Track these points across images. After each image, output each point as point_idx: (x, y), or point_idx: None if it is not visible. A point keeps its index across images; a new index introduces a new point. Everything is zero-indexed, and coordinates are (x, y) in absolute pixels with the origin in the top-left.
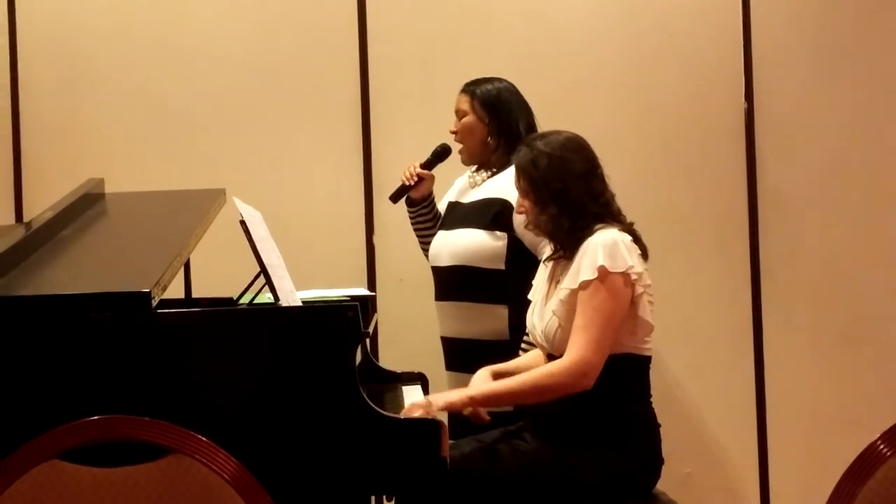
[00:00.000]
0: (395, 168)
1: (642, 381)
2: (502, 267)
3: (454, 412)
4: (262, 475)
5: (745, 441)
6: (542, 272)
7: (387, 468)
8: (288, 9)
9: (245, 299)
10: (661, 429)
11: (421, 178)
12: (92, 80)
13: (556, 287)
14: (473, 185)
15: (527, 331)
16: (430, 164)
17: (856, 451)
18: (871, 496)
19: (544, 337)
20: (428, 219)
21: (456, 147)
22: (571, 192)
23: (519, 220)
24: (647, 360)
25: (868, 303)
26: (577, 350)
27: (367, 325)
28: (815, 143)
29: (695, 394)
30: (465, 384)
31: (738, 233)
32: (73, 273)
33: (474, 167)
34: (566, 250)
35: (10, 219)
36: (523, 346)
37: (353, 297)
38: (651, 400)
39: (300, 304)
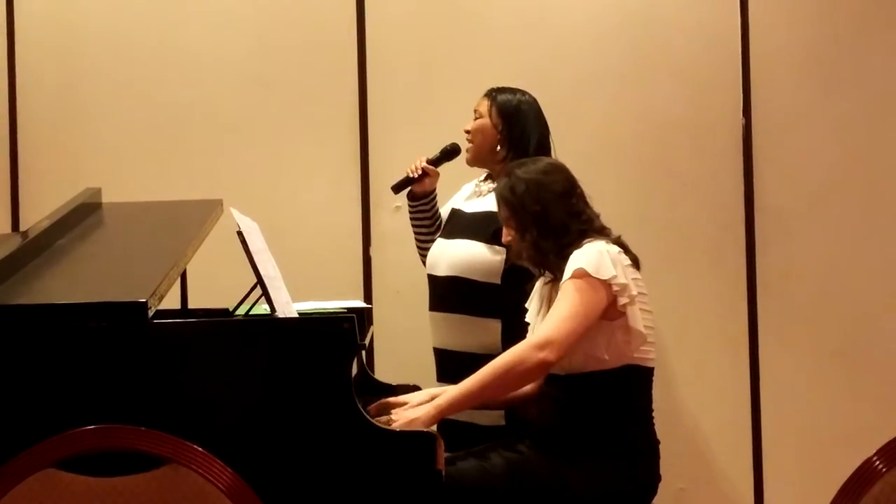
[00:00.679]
0: (392, 179)
1: (644, 393)
2: (498, 282)
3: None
4: (257, 485)
5: (740, 456)
6: (538, 295)
7: (382, 480)
8: (286, 17)
9: (241, 310)
10: (659, 445)
11: (426, 174)
12: (90, 87)
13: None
14: (478, 195)
15: None
16: (437, 161)
17: (851, 467)
18: None
19: None
20: (427, 217)
21: (465, 147)
22: (550, 213)
23: None
24: (650, 371)
25: (864, 318)
26: (541, 329)
27: (363, 337)
28: (812, 159)
29: (690, 407)
30: None
31: (735, 247)
32: (70, 282)
33: (482, 176)
34: (555, 272)
35: (6, 227)
36: None
37: (350, 310)
38: (653, 416)
39: (297, 315)
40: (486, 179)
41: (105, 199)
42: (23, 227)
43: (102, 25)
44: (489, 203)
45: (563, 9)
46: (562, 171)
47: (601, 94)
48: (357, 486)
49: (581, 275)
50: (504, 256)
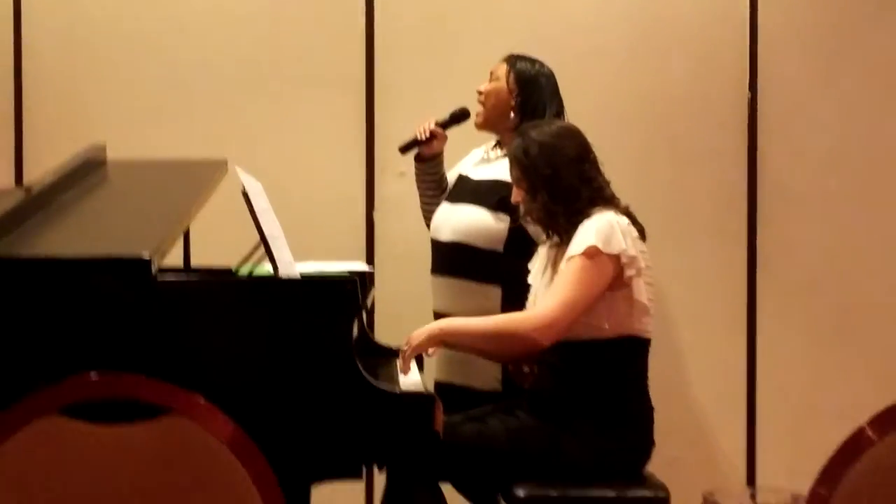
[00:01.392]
0: (398, 142)
1: (641, 363)
2: (500, 249)
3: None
4: (258, 440)
5: (734, 427)
6: (542, 258)
7: (380, 439)
8: None
9: (244, 270)
10: (653, 412)
11: (434, 136)
12: (96, 43)
13: (555, 273)
14: (486, 161)
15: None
16: (445, 124)
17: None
18: (857, 479)
19: None
20: (434, 179)
21: (476, 111)
22: (562, 177)
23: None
24: (647, 342)
25: (863, 296)
26: (545, 306)
27: (364, 299)
28: (817, 136)
29: (687, 378)
30: (453, 359)
31: (738, 222)
32: (74, 237)
33: (492, 143)
34: (562, 237)
35: (10, 181)
36: None
37: (352, 272)
38: (648, 384)
39: (299, 276)
40: (495, 146)
41: (109, 155)
42: (26, 182)
43: None
44: (497, 171)
45: None
46: (576, 136)
47: (608, 66)
48: (356, 444)
49: (592, 253)
50: (507, 225)
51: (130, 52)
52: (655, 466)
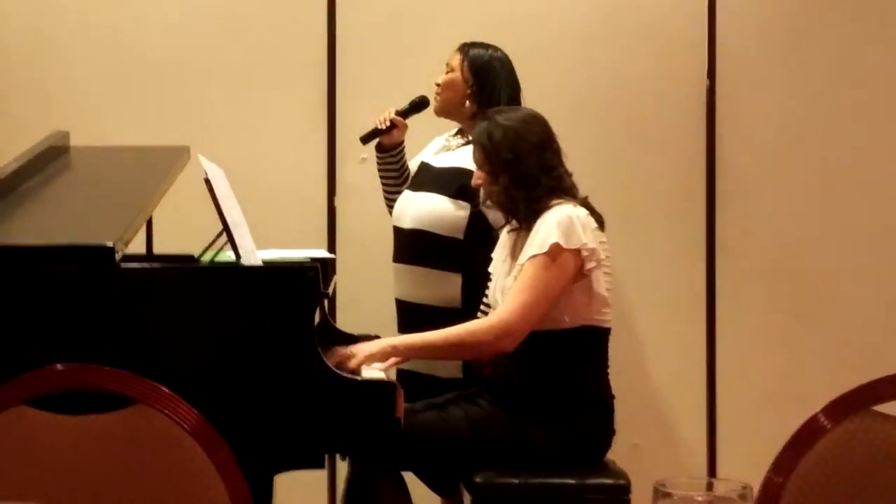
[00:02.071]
0: (359, 130)
1: (600, 353)
2: (461, 237)
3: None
4: (221, 427)
5: (695, 413)
6: (503, 246)
7: (342, 427)
8: None
9: (206, 257)
10: (614, 400)
11: (394, 125)
12: (60, 31)
13: (515, 262)
14: (447, 149)
15: (487, 301)
16: (405, 113)
17: None
18: (811, 467)
19: None
20: (395, 168)
21: (434, 100)
22: (523, 163)
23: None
24: (606, 332)
25: (821, 281)
26: (504, 311)
27: (326, 286)
28: (775, 122)
29: (646, 365)
30: None
31: (696, 209)
32: (37, 225)
33: (453, 131)
34: (521, 223)
35: None
36: (480, 314)
37: (314, 259)
38: (608, 372)
39: (261, 263)
40: (456, 134)
41: (73, 142)
42: None
43: None
44: (458, 158)
45: None
46: (541, 124)
47: (566, 53)
48: (317, 432)
49: (554, 252)
50: (468, 212)
51: (94, 40)
52: (616, 454)
